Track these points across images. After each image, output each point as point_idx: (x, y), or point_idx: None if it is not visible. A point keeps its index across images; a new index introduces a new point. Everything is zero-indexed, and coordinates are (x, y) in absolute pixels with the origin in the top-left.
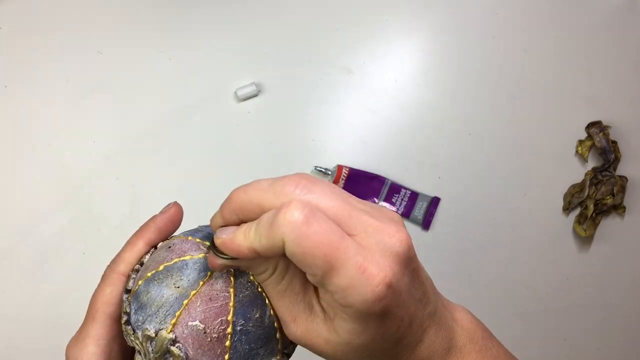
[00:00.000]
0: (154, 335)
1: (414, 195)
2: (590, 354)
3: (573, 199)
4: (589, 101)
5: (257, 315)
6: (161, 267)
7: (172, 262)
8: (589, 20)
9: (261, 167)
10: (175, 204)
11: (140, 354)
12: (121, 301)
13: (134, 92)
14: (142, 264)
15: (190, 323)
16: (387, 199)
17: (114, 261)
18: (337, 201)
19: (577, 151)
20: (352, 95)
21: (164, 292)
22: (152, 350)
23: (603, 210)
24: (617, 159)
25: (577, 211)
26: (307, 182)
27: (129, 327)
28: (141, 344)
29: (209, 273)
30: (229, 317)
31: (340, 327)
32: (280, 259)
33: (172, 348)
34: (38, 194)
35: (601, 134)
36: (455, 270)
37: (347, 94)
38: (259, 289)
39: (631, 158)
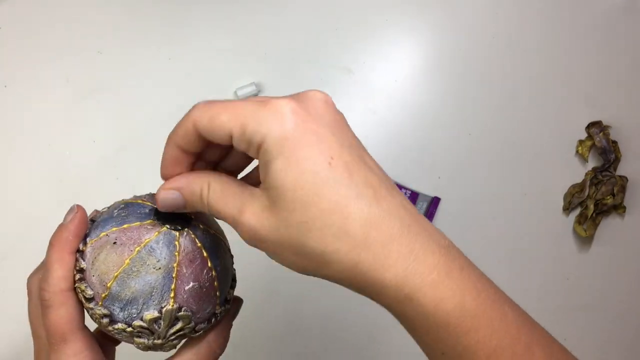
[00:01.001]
0: (159, 314)
1: (414, 195)
2: (590, 354)
3: (573, 199)
4: (589, 101)
5: (221, 250)
6: (127, 262)
7: (135, 253)
8: (589, 20)
9: None
10: (79, 207)
11: (140, 337)
12: (81, 313)
13: (134, 92)
14: (82, 270)
15: (186, 287)
16: None
17: (47, 283)
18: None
19: (577, 151)
20: (352, 95)
21: (148, 279)
22: (159, 326)
23: (603, 210)
24: (617, 159)
25: (577, 211)
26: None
27: (119, 324)
28: (145, 328)
29: (176, 243)
30: (209, 265)
31: (274, 174)
32: (210, 176)
33: (180, 314)
34: (38, 194)
35: (601, 134)
36: None
37: (347, 94)
38: (211, 231)
39: (631, 158)
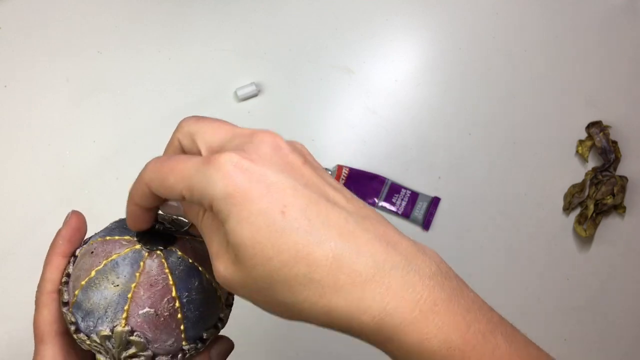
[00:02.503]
0: (110, 333)
1: (414, 195)
2: (590, 354)
3: (573, 199)
4: (589, 101)
5: (196, 283)
6: (93, 273)
7: (102, 265)
8: (589, 20)
9: None
10: (74, 212)
11: (101, 353)
12: (62, 316)
13: (134, 92)
14: (68, 275)
15: (140, 312)
16: (387, 199)
17: (39, 285)
18: (220, 130)
19: (577, 151)
20: (352, 95)
21: (105, 294)
22: (113, 346)
23: (603, 210)
24: (617, 159)
25: (577, 211)
26: (193, 120)
27: (81, 334)
28: (100, 344)
29: (141, 263)
30: (173, 294)
31: (230, 233)
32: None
33: (132, 338)
34: (38, 194)
35: (601, 134)
36: (454, 269)
37: (347, 94)
38: (190, 261)
39: (631, 158)
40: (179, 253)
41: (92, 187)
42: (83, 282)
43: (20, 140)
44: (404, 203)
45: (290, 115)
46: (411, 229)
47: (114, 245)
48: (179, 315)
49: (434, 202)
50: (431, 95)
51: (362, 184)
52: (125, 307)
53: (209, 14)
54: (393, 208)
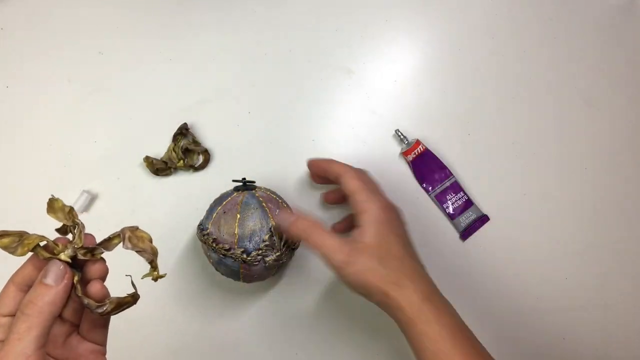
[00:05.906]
0: (271, 232)
1: (468, 203)
2: (589, 354)
3: None
4: (589, 101)
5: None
6: (238, 215)
7: (240, 208)
8: (589, 20)
9: (261, 167)
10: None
11: (268, 254)
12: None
13: (135, 92)
14: (215, 240)
15: (276, 212)
16: (442, 195)
17: None
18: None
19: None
20: (352, 95)
21: (255, 216)
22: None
23: None
24: None
25: None
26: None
27: (253, 252)
28: (268, 245)
29: (256, 195)
30: (279, 201)
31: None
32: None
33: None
34: (38, 194)
35: None
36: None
37: (347, 94)
38: (267, 192)
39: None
40: (257, 191)
41: (93, 187)
42: (236, 223)
43: (22, 141)
44: (456, 205)
45: (291, 115)
46: (450, 233)
47: (234, 199)
48: (285, 205)
49: (483, 219)
50: (431, 95)
51: (428, 168)
52: (269, 215)
53: (209, 14)
54: (443, 205)
